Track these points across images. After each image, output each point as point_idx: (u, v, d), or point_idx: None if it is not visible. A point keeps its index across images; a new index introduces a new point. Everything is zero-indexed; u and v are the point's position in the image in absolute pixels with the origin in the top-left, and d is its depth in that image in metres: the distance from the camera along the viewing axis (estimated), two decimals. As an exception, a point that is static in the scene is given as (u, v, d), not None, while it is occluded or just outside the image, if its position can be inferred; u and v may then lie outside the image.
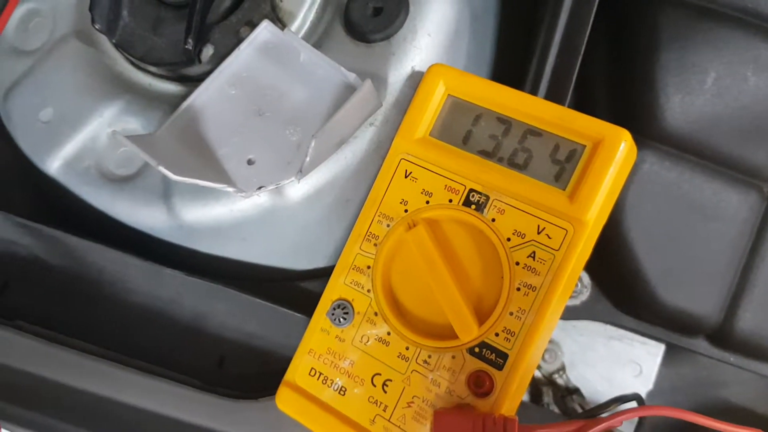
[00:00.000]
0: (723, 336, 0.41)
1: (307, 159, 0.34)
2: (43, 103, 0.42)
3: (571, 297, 0.42)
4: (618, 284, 0.42)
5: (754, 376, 0.43)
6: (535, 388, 0.45)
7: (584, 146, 0.32)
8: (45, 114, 0.42)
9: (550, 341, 0.45)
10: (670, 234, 0.40)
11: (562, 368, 0.44)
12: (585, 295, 0.43)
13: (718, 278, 0.40)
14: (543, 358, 0.44)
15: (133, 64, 0.42)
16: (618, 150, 0.31)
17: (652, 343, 0.45)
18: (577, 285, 0.42)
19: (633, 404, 0.38)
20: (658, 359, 0.45)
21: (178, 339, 0.39)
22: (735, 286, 0.40)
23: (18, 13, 0.45)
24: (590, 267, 0.42)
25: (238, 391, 0.37)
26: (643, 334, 0.44)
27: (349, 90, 0.36)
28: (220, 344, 0.39)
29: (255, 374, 0.39)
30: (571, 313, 0.43)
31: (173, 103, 0.39)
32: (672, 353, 0.46)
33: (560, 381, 0.44)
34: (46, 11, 0.45)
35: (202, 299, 0.39)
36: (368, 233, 0.36)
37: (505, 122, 0.34)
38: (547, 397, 0.44)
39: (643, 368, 0.45)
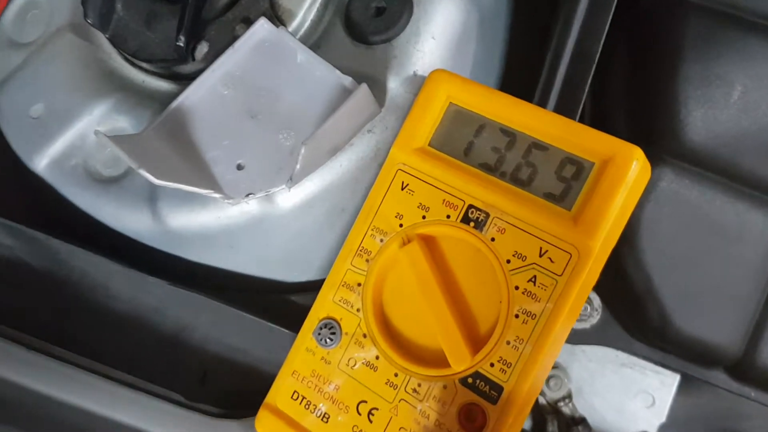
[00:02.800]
0: (744, 369, 0.38)
1: (298, 166, 0.32)
2: (34, 98, 0.41)
3: (581, 320, 0.40)
4: (631, 308, 0.39)
5: (780, 409, 0.39)
6: (539, 416, 0.42)
7: (593, 163, 0.30)
8: (35, 110, 0.41)
9: (556, 366, 0.43)
10: (689, 257, 0.37)
11: (569, 396, 0.42)
12: (595, 319, 0.40)
13: (740, 306, 0.37)
14: (548, 384, 0.42)
15: (127, 60, 0.40)
16: (629, 169, 0.29)
17: (667, 372, 0.42)
18: (587, 308, 0.40)
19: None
20: (673, 390, 0.42)
21: (159, 350, 0.37)
22: (758, 316, 0.37)
23: (16, 4, 0.44)
24: (601, 289, 0.40)
25: (220, 409, 0.35)
26: (656, 363, 0.41)
27: (346, 94, 0.33)
28: (203, 357, 0.37)
29: (238, 391, 0.37)
30: (579, 337, 0.40)
31: (165, 101, 0.37)
32: (689, 382, 0.43)
33: (566, 410, 0.41)
34: (44, 3, 0.44)
35: (186, 310, 0.37)
36: (360, 248, 0.33)
37: (509, 134, 0.31)
38: (552, 427, 0.41)
39: (656, 399, 0.42)
